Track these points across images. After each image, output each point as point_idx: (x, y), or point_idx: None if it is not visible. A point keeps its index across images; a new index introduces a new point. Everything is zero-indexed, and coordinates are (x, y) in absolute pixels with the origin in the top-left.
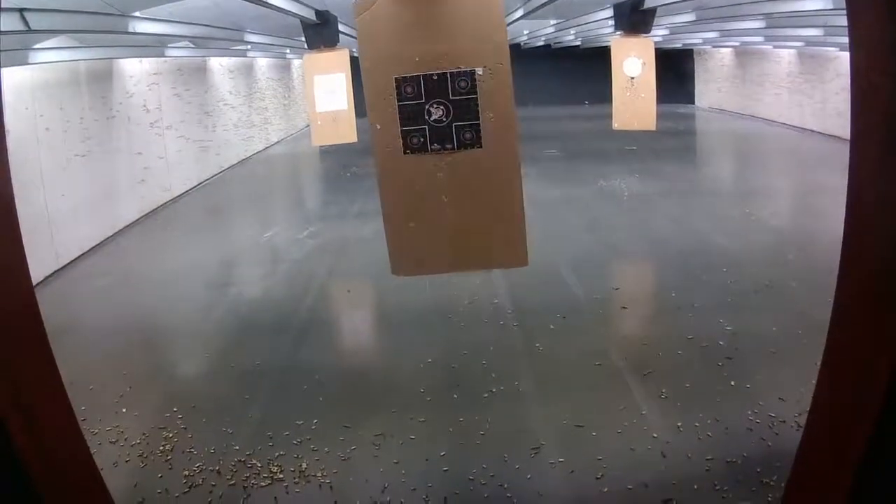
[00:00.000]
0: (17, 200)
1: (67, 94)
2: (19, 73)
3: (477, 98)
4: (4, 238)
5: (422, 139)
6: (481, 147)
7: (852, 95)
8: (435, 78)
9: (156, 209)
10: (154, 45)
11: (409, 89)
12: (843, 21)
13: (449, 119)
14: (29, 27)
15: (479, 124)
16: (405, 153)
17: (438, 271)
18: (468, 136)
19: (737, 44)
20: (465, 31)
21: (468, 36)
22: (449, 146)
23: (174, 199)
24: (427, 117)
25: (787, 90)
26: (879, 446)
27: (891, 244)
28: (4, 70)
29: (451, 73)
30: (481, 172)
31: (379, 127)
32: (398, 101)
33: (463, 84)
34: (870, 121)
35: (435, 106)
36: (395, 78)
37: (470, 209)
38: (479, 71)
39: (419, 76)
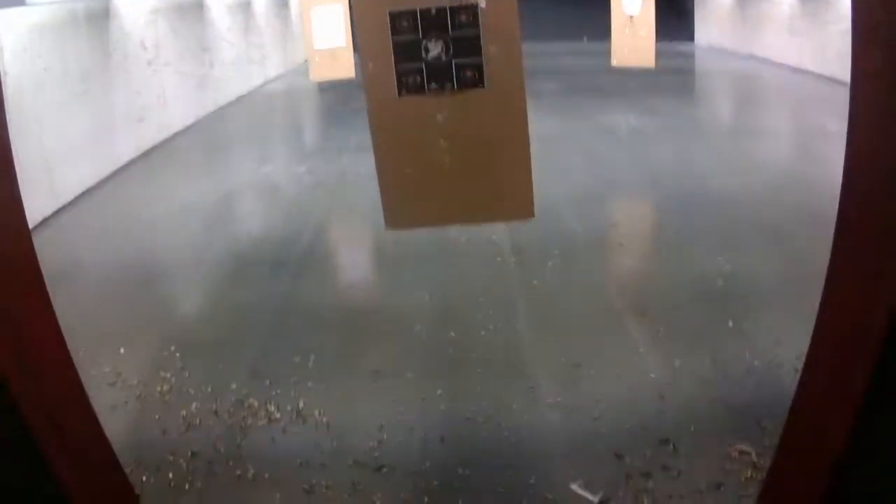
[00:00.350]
0: (14, 142)
1: (65, 34)
2: (16, 14)
3: (479, 33)
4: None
5: (418, 78)
6: (484, 87)
7: (853, 32)
8: (433, 11)
9: (154, 147)
10: None
11: (404, 24)
12: None
13: (448, 56)
14: None
15: (481, 62)
16: (400, 94)
17: (437, 223)
18: (469, 74)
19: None
20: None
21: None
22: (448, 86)
23: (173, 137)
24: (424, 54)
25: (787, 31)
26: (879, 390)
27: (891, 186)
28: (1, 12)
29: (450, 6)
30: (484, 114)
31: (371, 66)
32: (392, 36)
33: (464, 17)
34: (870, 63)
35: (433, 42)
36: (390, 12)
37: (471, 155)
38: (482, 4)
39: (415, 9)
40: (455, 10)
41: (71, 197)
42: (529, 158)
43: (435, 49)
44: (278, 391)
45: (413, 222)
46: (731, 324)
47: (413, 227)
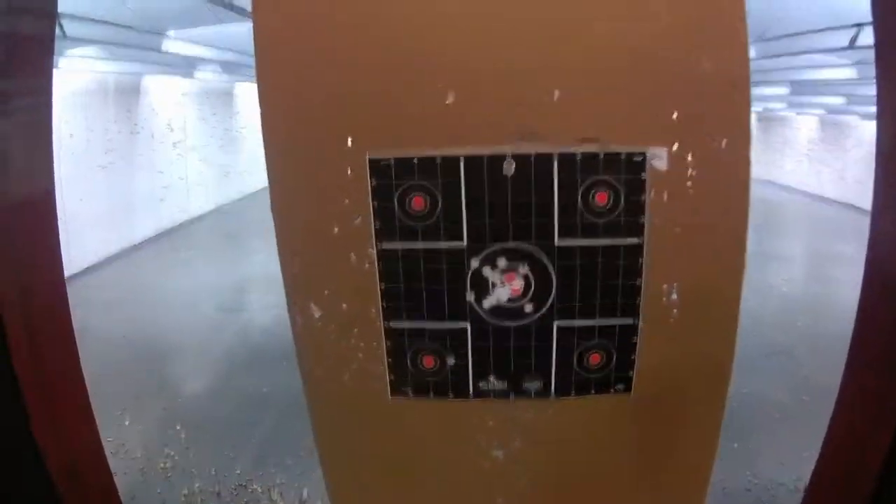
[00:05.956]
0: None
1: (93, 104)
2: None
3: (642, 245)
4: (45, 230)
5: (454, 361)
6: (628, 391)
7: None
8: (509, 174)
9: (172, 228)
10: (183, 66)
11: (415, 202)
12: (866, 90)
13: (545, 305)
14: (64, 33)
15: (635, 327)
16: (396, 393)
17: None
18: (597, 360)
19: (759, 109)
20: (620, 34)
21: (635, 45)
22: (533, 385)
23: (192, 221)
24: (475, 296)
25: (807, 157)
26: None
27: None
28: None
29: (561, 155)
30: (618, 458)
31: (318, 315)
32: (379, 240)
33: (601, 197)
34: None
35: (502, 263)
36: (372, 160)
37: None
38: (659, 159)
39: (456, 160)
40: (574, 168)
41: (85, 265)
42: None
43: (504, 285)
44: (283, 479)
45: None
46: (735, 445)
47: None
